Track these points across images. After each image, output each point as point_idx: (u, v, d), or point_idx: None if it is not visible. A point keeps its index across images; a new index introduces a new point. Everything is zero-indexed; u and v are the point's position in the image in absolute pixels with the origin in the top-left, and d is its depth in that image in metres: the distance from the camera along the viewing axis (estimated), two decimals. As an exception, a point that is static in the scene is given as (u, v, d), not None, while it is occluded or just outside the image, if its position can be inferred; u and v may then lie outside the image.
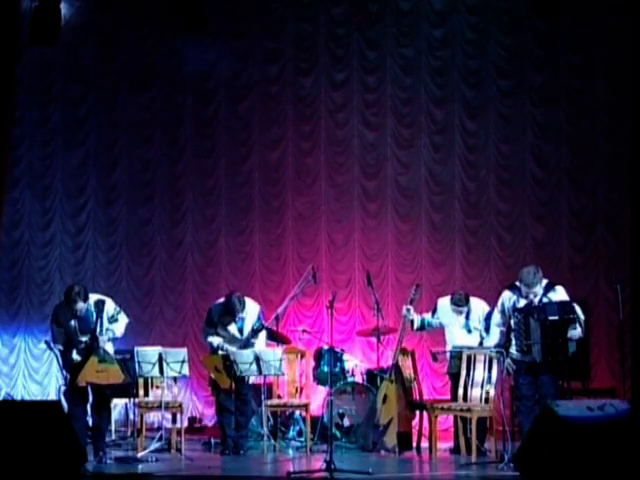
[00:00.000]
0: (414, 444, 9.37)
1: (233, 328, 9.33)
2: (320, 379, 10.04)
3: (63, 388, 10.58)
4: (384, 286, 11.69)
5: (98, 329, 8.58)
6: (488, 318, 8.95)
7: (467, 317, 9.24)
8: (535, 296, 8.14)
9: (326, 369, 9.84)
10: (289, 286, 11.53)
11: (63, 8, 11.92)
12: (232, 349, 9.26)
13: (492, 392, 8.63)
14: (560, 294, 8.23)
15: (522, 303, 8.22)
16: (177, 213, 12.30)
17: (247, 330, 9.34)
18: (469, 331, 9.22)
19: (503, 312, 8.42)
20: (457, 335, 9.26)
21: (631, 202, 4.81)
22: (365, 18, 12.09)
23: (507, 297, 8.38)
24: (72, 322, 8.61)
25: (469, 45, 12.01)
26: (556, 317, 8.00)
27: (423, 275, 11.78)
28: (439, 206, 11.97)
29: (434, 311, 9.51)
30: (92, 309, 8.60)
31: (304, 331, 10.64)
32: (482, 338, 9.07)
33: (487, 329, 8.89)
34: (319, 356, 10.09)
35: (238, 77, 12.32)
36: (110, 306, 8.78)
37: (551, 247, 11.64)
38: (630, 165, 4.84)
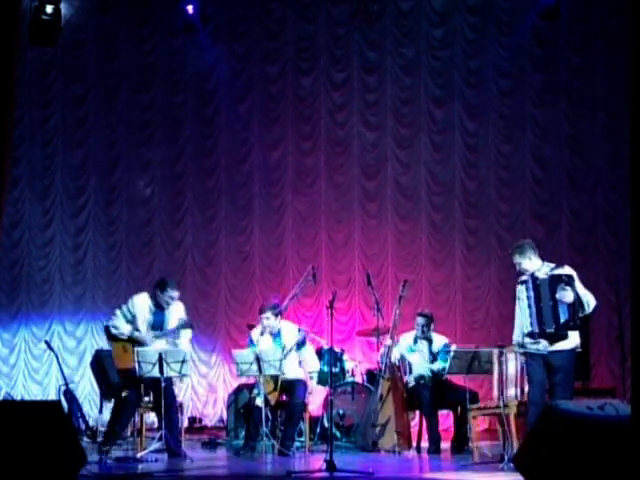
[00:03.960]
0: (414, 444, 9.36)
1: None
2: (320, 379, 10.03)
3: (63, 388, 10.60)
4: (384, 286, 11.70)
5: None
6: (446, 348, 9.30)
7: (430, 345, 9.45)
8: (537, 272, 7.88)
9: (326, 369, 9.84)
10: (289, 286, 11.51)
11: (63, 8, 11.92)
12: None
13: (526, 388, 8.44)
14: (565, 270, 7.92)
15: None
16: (177, 213, 12.31)
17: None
18: (433, 360, 9.39)
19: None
20: (420, 365, 9.40)
21: (631, 202, 4.80)
22: (365, 18, 12.11)
23: (518, 286, 8.20)
24: (149, 316, 8.77)
25: (469, 45, 12.03)
26: (545, 276, 7.79)
27: (423, 275, 11.80)
28: (439, 206, 11.99)
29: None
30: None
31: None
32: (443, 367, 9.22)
33: (445, 359, 9.15)
34: (319, 356, 10.08)
35: (238, 77, 12.34)
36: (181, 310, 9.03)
37: (551, 247, 11.63)
38: (630, 165, 4.84)
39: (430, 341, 9.52)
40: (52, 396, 11.48)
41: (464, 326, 11.73)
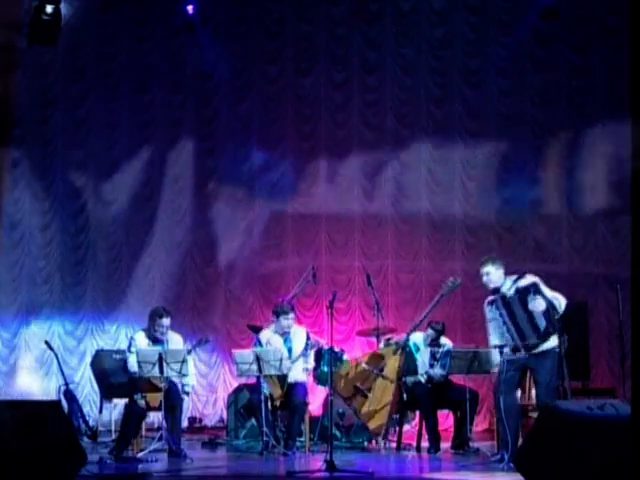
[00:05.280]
0: (414, 444, 9.36)
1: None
2: (320, 379, 10.02)
3: (63, 388, 10.60)
4: (384, 286, 11.69)
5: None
6: (448, 354, 9.24)
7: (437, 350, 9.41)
8: (503, 288, 7.98)
9: (326, 369, 9.83)
10: (289, 286, 11.52)
11: (63, 8, 11.90)
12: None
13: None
14: (528, 280, 7.98)
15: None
16: (177, 213, 12.30)
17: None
18: (432, 365, 9.35)
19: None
20: (425, 364, 9.39)
21: (631, 202, 4.80)
22: (365, 18, 12.11)
23: (486, 307, 8.21)
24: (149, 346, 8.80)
25: (469, 45, 12.04)
26: (512, 292, 7.91)
27: (423, 275, 11.80)
28: (439, 206, 11.98)
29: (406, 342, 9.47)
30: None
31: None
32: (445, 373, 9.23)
33: (444, 365, 9.18)
34: (319, 356, 10.08)
35: (238, 77, 12.33)
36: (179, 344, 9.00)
37: (551, 247, 11.64)
38: (630, 165, 4.84)
39: (438, 346, 9.48)
40: (52, 396, 11.47)
41: (464, 326, 11.72)
